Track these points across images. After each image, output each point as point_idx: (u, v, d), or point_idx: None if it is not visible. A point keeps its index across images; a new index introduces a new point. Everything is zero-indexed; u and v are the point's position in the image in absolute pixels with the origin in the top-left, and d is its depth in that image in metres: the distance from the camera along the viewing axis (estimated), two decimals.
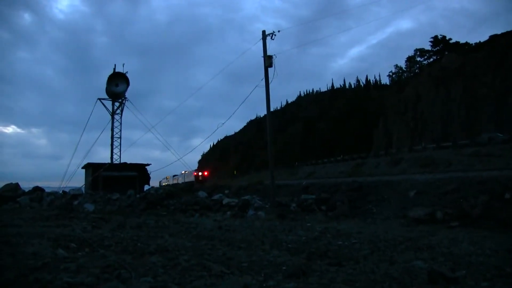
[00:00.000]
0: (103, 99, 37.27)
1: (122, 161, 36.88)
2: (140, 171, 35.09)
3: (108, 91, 37.15)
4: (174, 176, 63.21)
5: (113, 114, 37.22)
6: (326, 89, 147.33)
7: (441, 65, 60.54)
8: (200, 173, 51.36)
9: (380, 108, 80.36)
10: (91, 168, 33.84)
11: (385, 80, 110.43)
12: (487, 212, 11.18)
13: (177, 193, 26.02)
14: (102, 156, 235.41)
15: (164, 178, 67.77)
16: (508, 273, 5.65)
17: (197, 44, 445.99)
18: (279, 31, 20.05)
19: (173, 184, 56.05)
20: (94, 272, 5.49)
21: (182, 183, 51.95)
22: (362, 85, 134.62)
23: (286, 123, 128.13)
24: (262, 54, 19.92)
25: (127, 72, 37.19)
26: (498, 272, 5.71)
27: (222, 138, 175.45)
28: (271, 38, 19.93)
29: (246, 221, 15.11)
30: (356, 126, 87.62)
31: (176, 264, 6.47)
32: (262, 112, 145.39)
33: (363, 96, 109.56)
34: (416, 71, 75.42)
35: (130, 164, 36.04)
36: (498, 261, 6.37)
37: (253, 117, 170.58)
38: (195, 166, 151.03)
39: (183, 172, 55.44)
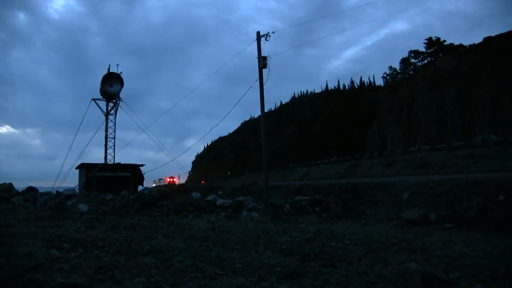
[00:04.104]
0: (97, 99, 37.18)
1: (116, 162, 36.78)
2: (134, 172, 34.93)
3: (102, 92, 37.03)
4: (159, 179, 77.02)
5: (107, 114, 37.12)
6: (320, 91, 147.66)
7: (435, 67, 60.77)
8: (171, 179, 63.78)
9: (374, 109, 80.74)
10: (85, 169, 33.66)
11: (380, 82, 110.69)
12: (481, 214, 11.20)
13: (171, 194, 25.91)
14: (96, 156, 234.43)
15: (153, 181, 79.49)
16: (502, 275, 5.66)
17: (192, 45, 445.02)
18: (273, 32, 20.13)
19: (158, 186, 65.71)
20: (87, 273, 5.47)
21: (163, 185, 63.86)
22: (357, 86, 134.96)
23: (280, 124, 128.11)
24: (257, 55, 19.94)
25: (121, 72, 37.16)
26: (492, 274, 5.71)
27: (216, 139, 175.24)
28: (266, 39, 19.98)
29: (239, 222, 15.08)
30: (350, 127, 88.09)
31: (169, 265, 6.45)
32: (257, 113, 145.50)
33: (358, 97, 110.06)
34: (411, 72, 75.59)
35: (124, 164, 35.93)
36: (492, 263, 6.37)
37: (248, 118, 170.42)
38: (189, 167, 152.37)
39: (163, 177, 72.29)
